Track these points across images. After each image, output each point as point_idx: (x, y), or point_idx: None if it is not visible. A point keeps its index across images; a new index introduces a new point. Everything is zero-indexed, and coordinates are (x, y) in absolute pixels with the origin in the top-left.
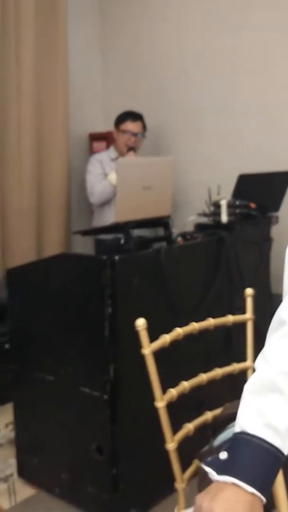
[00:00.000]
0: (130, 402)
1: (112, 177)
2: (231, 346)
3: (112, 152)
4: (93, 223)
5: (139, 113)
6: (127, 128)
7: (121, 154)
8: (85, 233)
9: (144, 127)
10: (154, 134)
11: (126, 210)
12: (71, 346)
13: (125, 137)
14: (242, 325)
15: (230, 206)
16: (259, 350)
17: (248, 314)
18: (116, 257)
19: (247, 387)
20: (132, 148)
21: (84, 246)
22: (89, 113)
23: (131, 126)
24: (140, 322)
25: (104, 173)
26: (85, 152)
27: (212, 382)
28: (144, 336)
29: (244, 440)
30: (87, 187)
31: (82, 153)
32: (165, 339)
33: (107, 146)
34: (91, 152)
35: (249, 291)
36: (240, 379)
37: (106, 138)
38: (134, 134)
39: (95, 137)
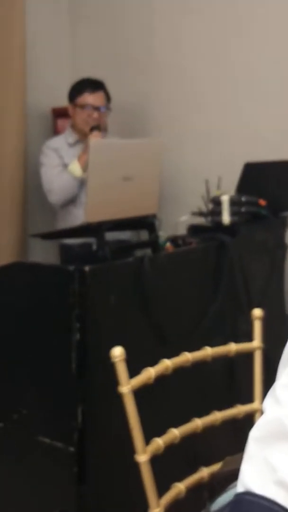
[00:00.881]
0: (103, 455)
1: (75, 167)
2: (235, 383)
3: (69, 135)
4: (56, 227)
5: (98, 80)
6: (85, 102)
7: (82, 136)
8: (46, 236)
9: (107, 98)
10: (135, 110)
11: (100, 207)
12: (26, 382)
13: (85, 114)
14: (248, 356)
15: (233, 203)
16: (269, 387)
17: (256, 342)
18: (87, 268)
19: (253, 434)
20: (95, 127)
21: (44, 254)
22: (53, 82)
23: (90, 98)
24: (117, 352)
25: (62, 164)
26: (47, 132)
27: (209, 429)
28: (121, 369)
29: (248, 503)
30: (43, 184)
31: (43, 134)
32: (149, 373)
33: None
34: (55, 132)
35: (257, 312)
36: (245, 425)
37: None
38: (96, 108)
39: (60, 113)
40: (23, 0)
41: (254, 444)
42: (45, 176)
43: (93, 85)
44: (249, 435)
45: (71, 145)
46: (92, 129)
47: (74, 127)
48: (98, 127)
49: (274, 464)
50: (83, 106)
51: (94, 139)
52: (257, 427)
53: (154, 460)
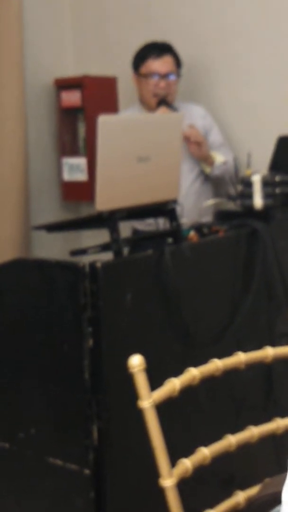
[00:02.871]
0: (123, 478)
1: None
2: (273, 394)
3: (137, 110)
4: None
5: (165, 43)
6: (151, 70)
7: (150, 109)
8: (51, 228)
9: (178, 63)
10: None
11: (112, 193)
12: (33, 397)
13: (151, 83)
14: (284, 362)
15: (266, 183)
16: None
17: None
18: (99, 263)
19: None
20: (163, 101)
21: (51, 248)
22: (54, 50)
23: (156, 65)
24: (136, 361)
25: None
26: (50, 107)
27: (245, 448)
28: (141, 381)
29: None
30: None
31: (46, 109)
32: (173, 385)
33: (83, 97)
34: (60, 107)
35: None
36: (285, 441)
37: (80, 86)
38: (163, 76)
39: (64, 85)
40: None
41: None
42: None
43: (158, 49)
44: None
45: None
46: (159, 103)
47: (141, 99)
48: (166, 101)
49: None
50: (147, 75)
51: (115, 115)
52: None
53: (182, 484)
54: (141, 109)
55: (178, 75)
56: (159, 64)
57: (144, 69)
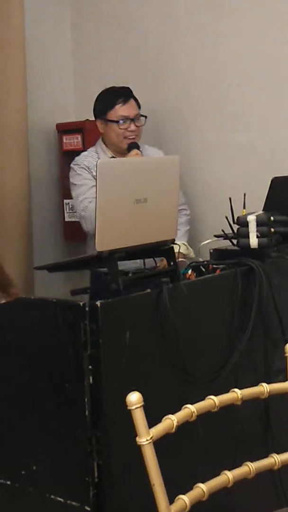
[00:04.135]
0: None
1: None
2: (271, 429)
3: (101, 152)
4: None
5: (126, 87)
6: (120, 115)
7: (118, 153)
8: (52, 268)
9: (139, 106)
10: (149, 124)
11: (111, 234)
12: (35, 434)
13: (121, 128)
14: (282, 396)
15: (261, 223)
16: None
17: None
18: (98, 302)
19: None
20: (133, 145)
21: (55, 287)
22: (56, 97)
23: (124, 110)
24: (133, 398)
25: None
26: (52, 150)
27: (242, 484)
28: (139, 418)
29: None
30: (76, 209)
31: (48, 152)
32: (171, 421)
33: (83, 141)
34: (61, 150)
35: None
36: (284, 477)
37: (81, 130)
38: (132, 119)
39: (65, 130)
40: (22, 13)
41: None
42: (78, 199)
43: (123, 95)
44: None
45: None
46: (130, 147)
47: (107, 143)
48: (137, 145)
49: None
50: (117, 121)
51: (134, 158)
52: None
53: None
54: (105, 151)
55: (143, 116)
56: (128, 109)
57: (113, 115)
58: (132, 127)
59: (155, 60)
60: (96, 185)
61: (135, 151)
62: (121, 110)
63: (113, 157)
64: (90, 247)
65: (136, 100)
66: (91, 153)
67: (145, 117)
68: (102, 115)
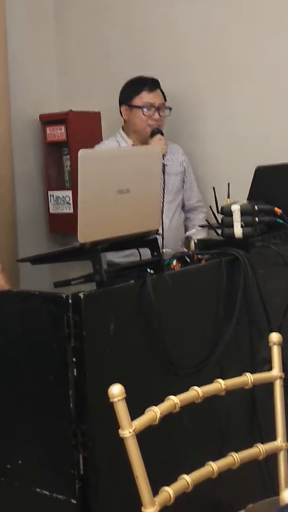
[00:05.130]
0: (110, 507)
1: None
2: (257, 419)
3: (122, 140)
4: None
5: (154, 78)
6: (146, 102)
7: (139, 141)
8: (35, 260)
9: (164, 97)
10: None
11: (94, 225)
12: (19, 428)
13: (146, 115)
14: (269, 386)
15: (246, 212)
16: None
17: (275, 370)
18: (81, 294)
19: None
20: (157, 131)
21: (39, 280)
22: (39, 88)
23: (150, 97)
24: (115, 391)
25: None
26: (36, 141)
27: (227, 474)
28: (122, 410)
29: None
30: None
31: (32, 144)
32: (154, 414)
33: (67, 132)
34: (45, 141)
35: (275, 336)
36: (269, 466)
37: (64, 121)
38: (157, 109)
39: (48, 121)
40: (3, 3)
41: None
42: None
43: (151, 83)
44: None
45: None
46: (154, 133)
47: (129, 130)
48: (160, 131)
49: None
50: (142, 107)
51: (158, 143)
52: None
53: (168, 510)
54: (126, 139)
55: (168, 108)
56: (153, 97)
57: (138, 100)
58: (156, 115)
59: (140, 50)
60: (78, 176)
61: (158, 136)
62: (146, 96)
63: (134, 145)
64: None
65: (162, 91)
66: (111, 141)
67: (170, 109)
68: (128, 101)
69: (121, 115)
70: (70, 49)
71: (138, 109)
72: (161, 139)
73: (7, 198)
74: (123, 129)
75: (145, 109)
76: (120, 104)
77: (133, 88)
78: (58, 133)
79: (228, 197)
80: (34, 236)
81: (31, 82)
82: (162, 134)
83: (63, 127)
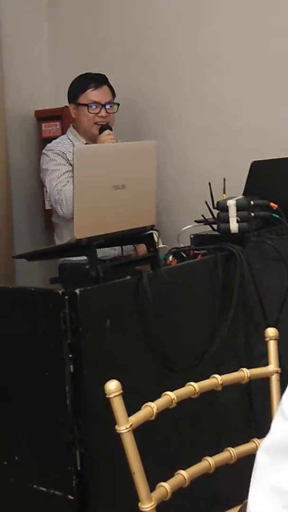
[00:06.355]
0: (107, 503)
1: None
2: (253, 414)
3: (75, 138)
4: (57, 243)
5: (101, 74)
6: (90, 99)
7: (90, 139)
8: (31, 257)
9: (113, 93)
10: (127, 111)
11: (90, 221)
12: (16, 424)
13: (91, 113)
14: (266, 381)
15: (241, 207)
16: None
17: (272, 365)
18: (78, 290)
19: (259, 457)
20: (106, 126)
21: (33, 275)
22: (34, 84)
23: (95, 95)
24: (112, 386)
25: (72, 170)
26: (31, 138)
27: (224, 469)
28: (118, 406)
29: None
30: (50, 194)
31: (27, 140)
32: (150, 409)
33: (62, 128)
34: (40, 137)
35: (271, 331)
36: None
37: (60, 117)
38: (102, 106)
39: (43, 117)
40: None
41: (261, 467)
42: (51, 184)
43: (96, 80)
44: (256, 456)
45: None
46: (102, 129)
47: (79, 129)
48: (109, 126)
49: (283, 488)
50: (87, 105)
51: (107, 139)
52: (264, 447)
53: (163, 507)
54: (78, 137)
55: (115, 105)
56: (99, 94)
57: (84, 99)
58: (103, 113)
59: (134, 45)
60: (72, 171)
61: (107, 131)
62: (92, 94)
63: (86, 143)
64: (61, 235)
65: (110, 87)
66: (64, 140)
67: (118, 104)
68: (74, 99)
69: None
70: (64, 44)
71: (84, 107)
72: (110, 134)
73: (2, 194)
74: (74, 128)
75: (91, 107)
76: (68, 102)
77: (79, 86)
78: (53, 129)
79: (224, 192)
80: (30, 232)
81: (26, 78)
82: (110, 129)
83: (58, 123)
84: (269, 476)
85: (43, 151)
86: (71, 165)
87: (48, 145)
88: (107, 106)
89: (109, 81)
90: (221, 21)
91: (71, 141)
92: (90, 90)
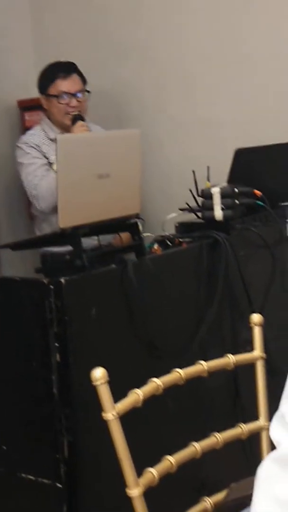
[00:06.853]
0: (95, 490)
1: None
2: (239, 400)
3: (49, 129)
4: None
5: (69, 62)
6: (60, 90)
7: (63, 129)
8: (15, 246)
9: (83, 80)
10: (110, 99)
11: (74, 210)
12: (3, 414)
13: (62, 103)
14: (251, 368)
15: (226, 195)
16: (276, 402)
17: (257, 351)
18: (63, 279)
19: (267, 463)
20: (78, 117)
21: (18, 266)
22: (17, 73)
23: (64, 85)
24: (98, 374)
25: (48, 163)
26: (14, 128)
27: (210, 454)
28: (104, 393)
29: None
30: (26, 189)
31: (9, 130)
32: (137, 396)
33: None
34: (24, 127)
35: (256, 318)
36: (252, 446)
37: (42, 106)
38: (73, 95)
39: (26, 106)
40: None
41: (268, 475)
42: (27, 179)
43: (65, 69)
44: (263, 464)
45: (54, 140)
46: (75, 120)
47: (52, 119)
48: (81, 117)
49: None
50: (57, 96)
51: (79, 130)
52: (273, 457)
53: (151, 492)
54: (52, 128)
55: (87, 93)
56: (68, 84)
57: (53, 89)
58: (74, 102)
59: (117, 35)
60: (48, 164)
61: (79, 122)
62: (61, 85)
63: (61, 133)
64: (41, 227)
65: (80, 74)
66: (38, 131)
67: (88, 92)
68: (44, 90)
69: (41, 105)
70: (47, 33)
71: (54, 98)
72: (83, 125)
73: None
74: (47, 117)
75: (62, 98)
76: (39, 93)
77: (47, 76)
78: (36, 118)
79: (208, 180)
80: (12, 222)
81: (9, 68)
82: (83, 119)
83: (41, 113)
84: (275, 485)
85: (17, 143)
86: (46, 157)
87: (22, 137)
88: (78, 95)
89: (78, 68)
90: (203, 9)
91: (45, 132)
92: (59, 80)
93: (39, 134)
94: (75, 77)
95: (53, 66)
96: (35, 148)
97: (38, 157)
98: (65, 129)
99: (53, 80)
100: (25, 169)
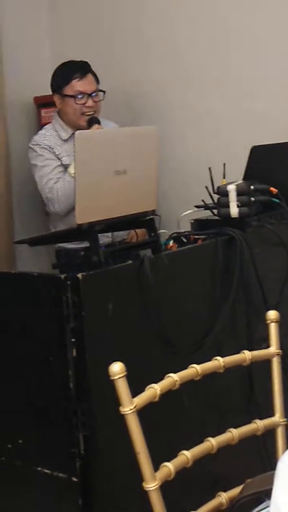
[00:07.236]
0: (110, 484)
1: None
2: (254, 396)
3: (60, 129)
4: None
5: (84, 61)
6: (77, 90)
7: (78, 129)
8: (32, 242)
9: (97, 81)
10: (126, 97)
11: (91, 206)
12: (20, 408)
13: (78, 104)
14: (266, 364)
15: (241, 192)
16: None
17: (273, 348)
18: (80, 275)
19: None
20: (94, 120)
21: (36, 262)
22: (33, 70)
23: (80, 85)
24: (116, 368)
25: (62, 165)
26: (31, 124)
27: (226, 450)
28: (122, 388)
29: None
30: (41, 191)
31: (27, 127)
32: (154, 391)
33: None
34: (40, 124)
35: (272, 314)
36: (266, 441)
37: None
38: (89, 95)
39: (43, 103)
40: None
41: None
42: (42, 181)
43: (80, 69)
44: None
45: (66, 140)
46: (91, 123)
47: (64, 118)
48: (97, 120)
49: None
50: (74, 96)
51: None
52: None
53: (166, 487)
54: (64, 127)
55: (101, 91)
56: (84, 84)
57: (69, 90)
58: (90, 102)
59: (134, 31)
60: (61, 165)
61: (96, 126)
62: (78, 85)
63: (72, 134)
64: (56, 224)
65: (94, 74)
66: (50, 131)
67: (104, 92)
68: (59, 89)
69: (54, 103)
70: (64, 30)
71: (70, 98)
72: (99, 128)
73: (3, 181)
74: (60, 117)
75: (78, 98)
76: (52, 92)
77: (63, 76)
78: (53, 115)
79: (224, 177)
80: (31, 218)
81: (26, 65)
82: (99, 122)
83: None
84: None
85: (30, 144)
86: (59, 159)
87: (34, 138)
88: (94, 95)
89: (91, 67)
90: (222, 5)
91: (57, 131)
92: (75, 80)
93: (51, 134)
94: (90, 77)
95: (68, 66)
96: (47, 150)
97: (51, 159)
98: (79, 128)
99: (69, 80)
100: (38, 171)
